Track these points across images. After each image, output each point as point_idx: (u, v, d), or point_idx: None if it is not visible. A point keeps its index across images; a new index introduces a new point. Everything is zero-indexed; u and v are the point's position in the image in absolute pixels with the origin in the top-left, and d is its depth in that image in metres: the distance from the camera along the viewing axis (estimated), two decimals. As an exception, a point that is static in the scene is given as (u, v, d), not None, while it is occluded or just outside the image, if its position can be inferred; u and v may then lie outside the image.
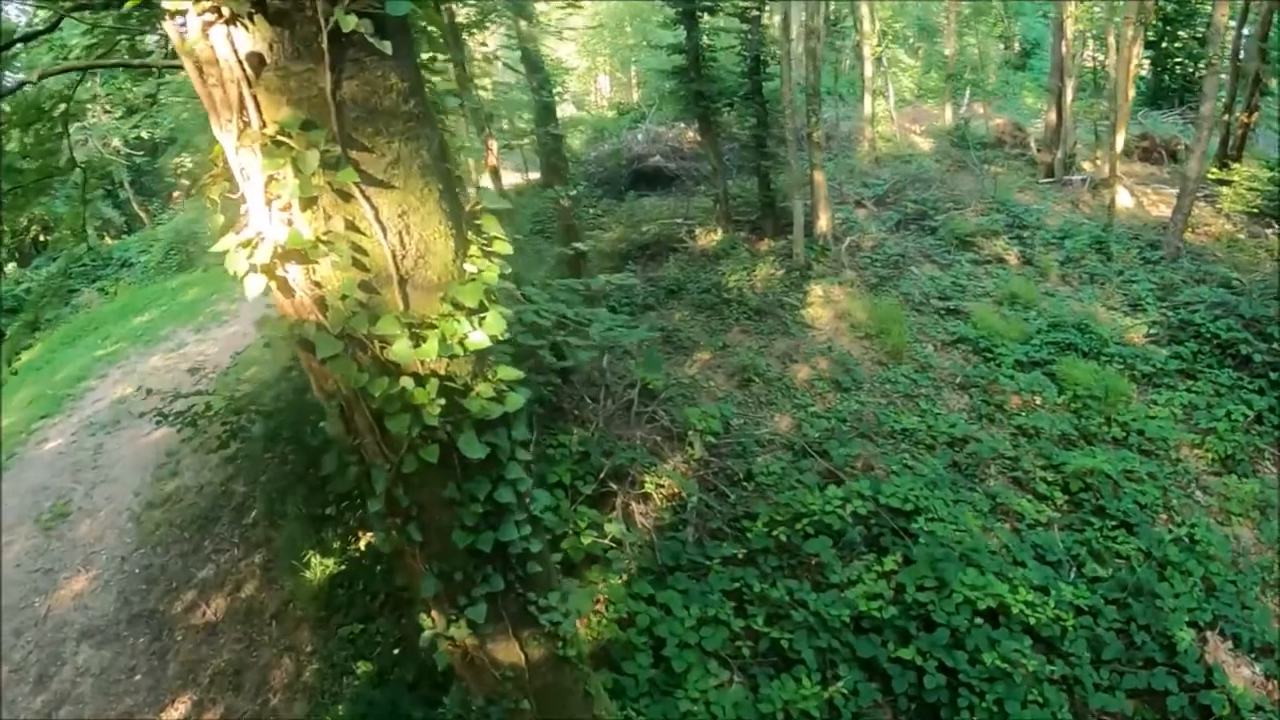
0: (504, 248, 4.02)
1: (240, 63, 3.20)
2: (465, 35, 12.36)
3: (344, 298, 3.56)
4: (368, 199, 3.48)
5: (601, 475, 9.36)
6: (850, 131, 22.85)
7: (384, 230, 3.54)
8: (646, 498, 9.66)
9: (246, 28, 3.12)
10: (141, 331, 19.19)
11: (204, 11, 3.09)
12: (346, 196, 3.46)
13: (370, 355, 3.71)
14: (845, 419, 11.49)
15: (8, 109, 9.28)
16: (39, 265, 22.87)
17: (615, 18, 27.97)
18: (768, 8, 15.77)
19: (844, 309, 14.02)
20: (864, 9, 22.52)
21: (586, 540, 8.58)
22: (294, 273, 3.58)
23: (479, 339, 3.81)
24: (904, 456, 11.02)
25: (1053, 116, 21.38)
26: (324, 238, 3.46)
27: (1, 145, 9.08)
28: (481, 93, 12.51)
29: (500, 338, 3.91)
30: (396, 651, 8.25)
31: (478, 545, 4.22)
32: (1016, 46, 34.70)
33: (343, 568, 9.27)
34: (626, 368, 11.26)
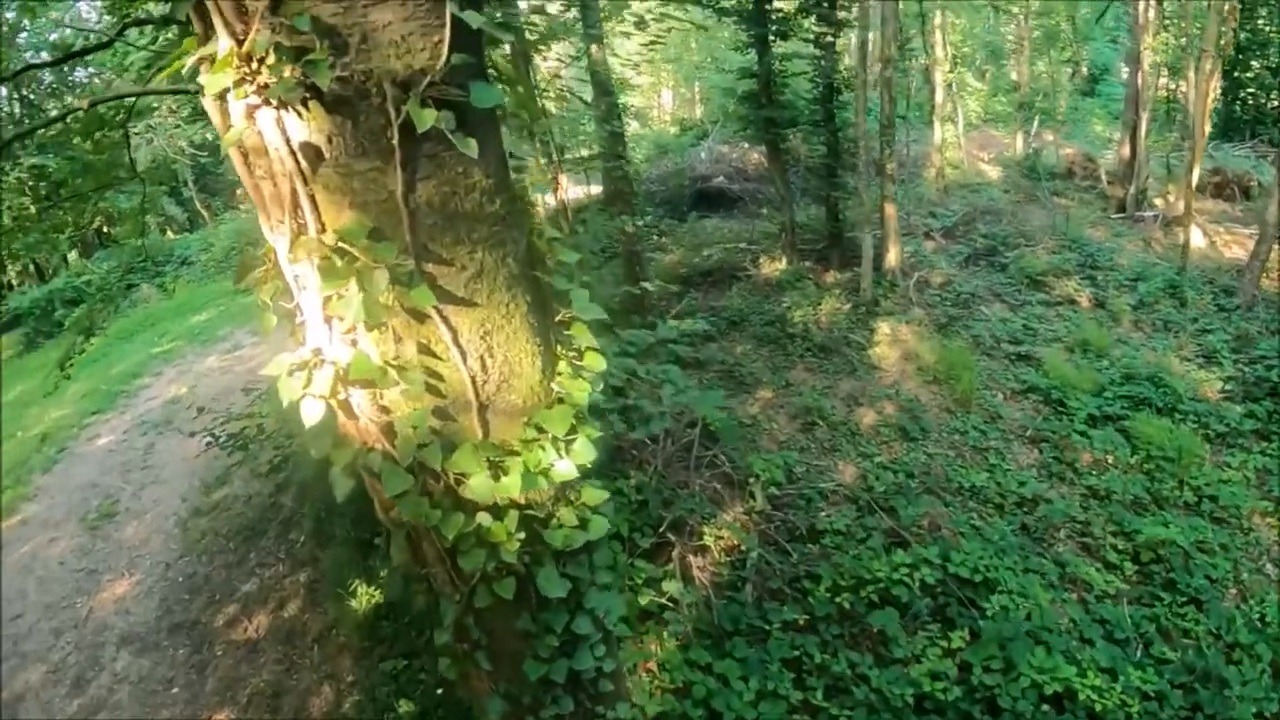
0: (597, 362, 3.56)
1: (294, 154, 2.73)
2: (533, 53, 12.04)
3: (415, 427, 3.10)
4: (445, 319, 3.00)
5: (661, 528, 9.00)
6: (917, 156, 22.25)
7: (463, 354, 3.08)
8: (704, 550, 9.17)
9: (300, 114, 2.66)
10: (199, 331, 19.16)
11: (248, 95, 2.67)
12: (421, 316, 2.99)
13: (444, 488, 3.24)
14: (913, 472, 10.99)
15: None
16: (100, 258, 23.04)
17: (681, 35, 27.62)
18: (843, 33, 15.34)
19: (911, 349, 13.51)
20: (936, 34, 21.92)
21: (644, 599, 8.17)
22: (358, 397, 3.12)
23: (565, 469, 3.36)
24: (972, 516, 10.50)
25: (1126, 150, 20.69)
26: (394, 363, 3.00)
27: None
28: (548, 116, 12.13)
29: (589, 466, 3.46)
30: (439, 692, 7.98)
31: (551, 676, 3.80)
32: (1084, 70, 33.84)
33: (389, 599, 9.05)
34: (687, 402, 10.90)
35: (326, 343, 3.08)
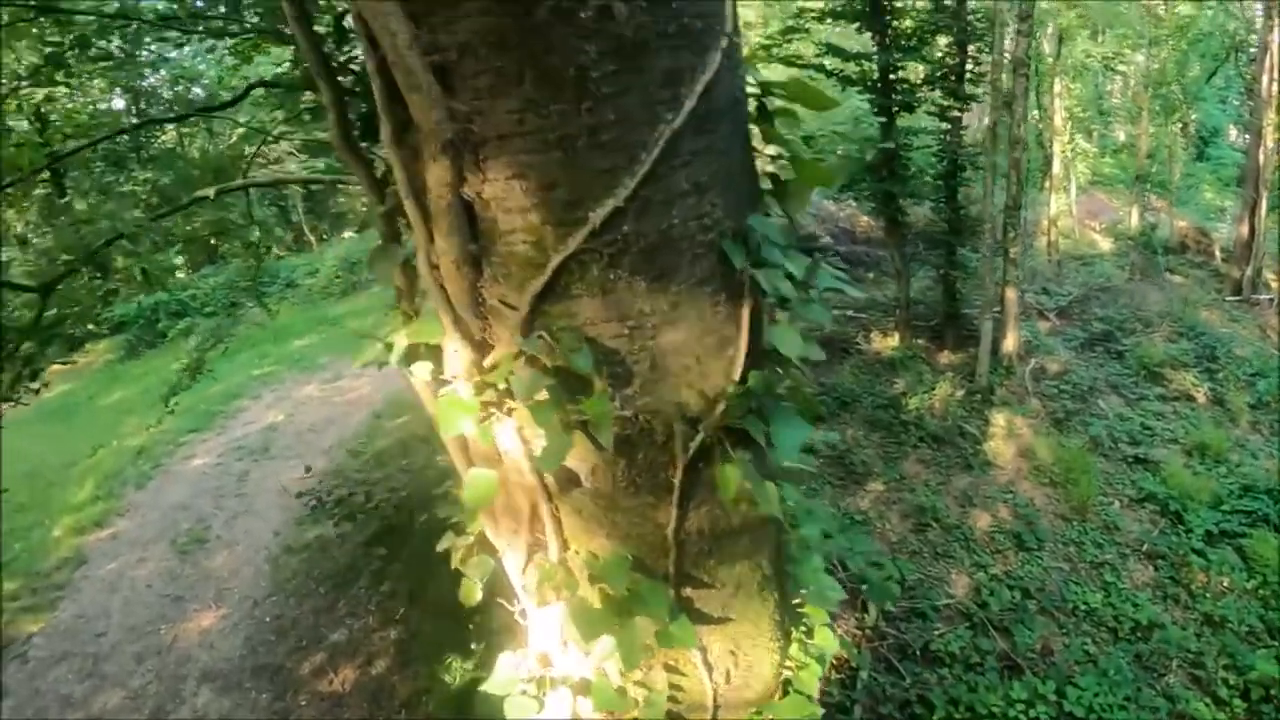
0: (829, 642, 3.14)
1: (539, 475, 2.37)
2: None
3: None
4: (698, 641, 2.61)
5: (775, 638, 8.61)
6: (1028, 222, 21.63)
7: (710, 669, 2.69)
8: (814, 664, 8.84)
9: (557, 442, 2.24)
10: (299, 356, 19.15)
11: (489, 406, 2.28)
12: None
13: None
14: (1028, 589, 10.48)
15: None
16: (207, 274, 23.33)
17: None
18: (971, 111, 14.87)
19: (1027, 445, 12.96)
20: (1057, 102, 21.26)
21: (757, 719, 7.83)
22: (586, 706, 2.71)
23: (788, 753, 2.88)
24: (1086, 642, 9.95)
25: (1245, 229, 19.84)
26: (638, 683, 2.61)
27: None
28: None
29: (810, 751, 3.00)
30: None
31: None
32: (1192, 130, 32.74)
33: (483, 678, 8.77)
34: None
35: (558, 654, 2.73)
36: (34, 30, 9.43)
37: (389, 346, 2.54)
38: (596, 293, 2.12)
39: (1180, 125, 30.43)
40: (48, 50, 9.19)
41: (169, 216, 8.92)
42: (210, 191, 6.45)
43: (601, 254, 2.06)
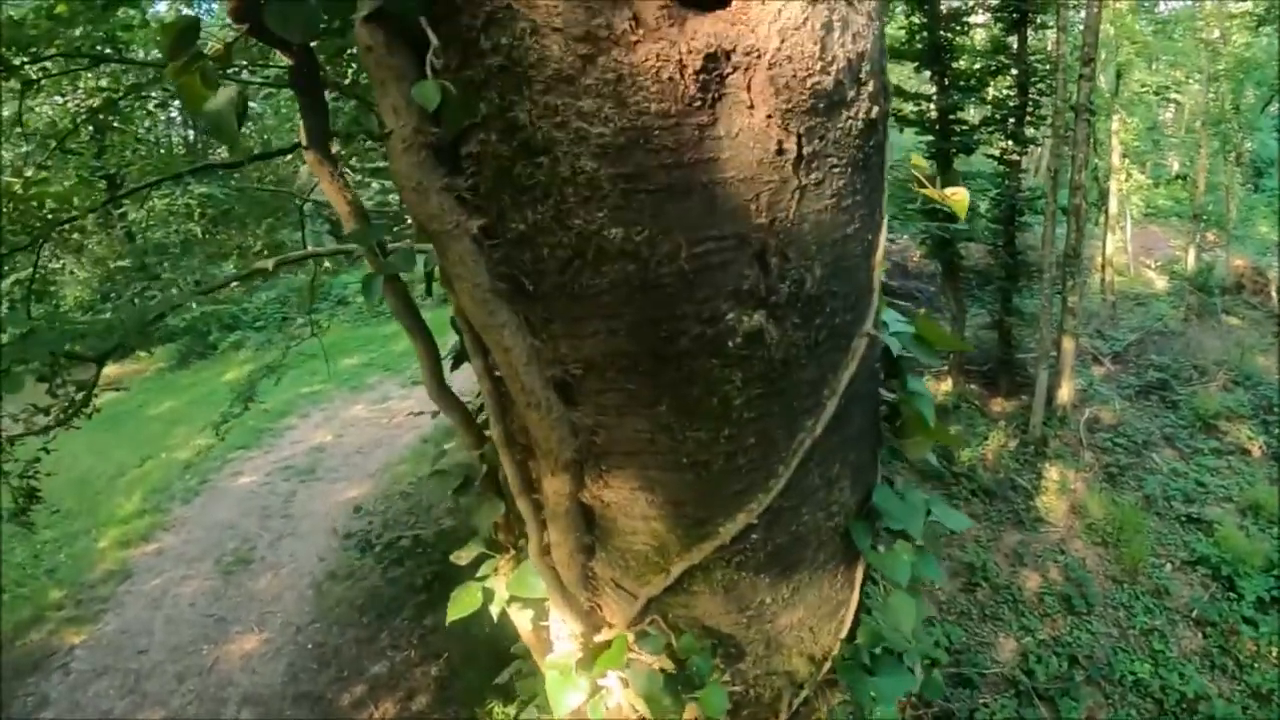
0: None
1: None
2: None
3: None
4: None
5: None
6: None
7: None
8: (859, 732, 8.72)
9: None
10: (349, 376, 19.21)
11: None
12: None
13: None
14: (1075, 657, 10.27)
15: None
16: (261, 287, 23.46)
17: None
18: (1032, 156, 14.65)
19: (1080, 501, 12.71)
20: (1114, 140, 20.91)
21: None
22: None
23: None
24: (1131, 713, 9.70)
25: (1304, 272, 19.53)
26: None
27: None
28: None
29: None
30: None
31: None
32: (1246, 160, 31.99)
33: (525, 723, 8.71)
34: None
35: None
36: (88, 78, 9.52)
37: (489, 593, 2.47)
38: (719, 590, 2.07)
39: (1235, 157, 29.89)
40: (101, 97, 9.23)
41: (220, 289, 8.93)
42: (270, 263, 6.43)
43: (729, 560, 2.03)
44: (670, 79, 1.63)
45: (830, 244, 1.90)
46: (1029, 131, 14.49)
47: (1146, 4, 26.01)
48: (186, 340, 22.70)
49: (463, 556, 2.60)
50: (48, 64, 6.15)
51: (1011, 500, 12.57)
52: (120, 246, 19.31)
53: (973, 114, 15.56)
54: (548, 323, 1.87)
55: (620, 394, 1.87)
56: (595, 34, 1.60)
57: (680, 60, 1.63)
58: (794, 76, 1.69)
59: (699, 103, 1.66)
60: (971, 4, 14.99)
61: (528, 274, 1.84)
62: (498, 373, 1.98)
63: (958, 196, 2.16)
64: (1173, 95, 26.92)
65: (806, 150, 1.78)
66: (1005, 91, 14.92)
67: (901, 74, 17.10)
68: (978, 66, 14.74)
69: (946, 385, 14.98)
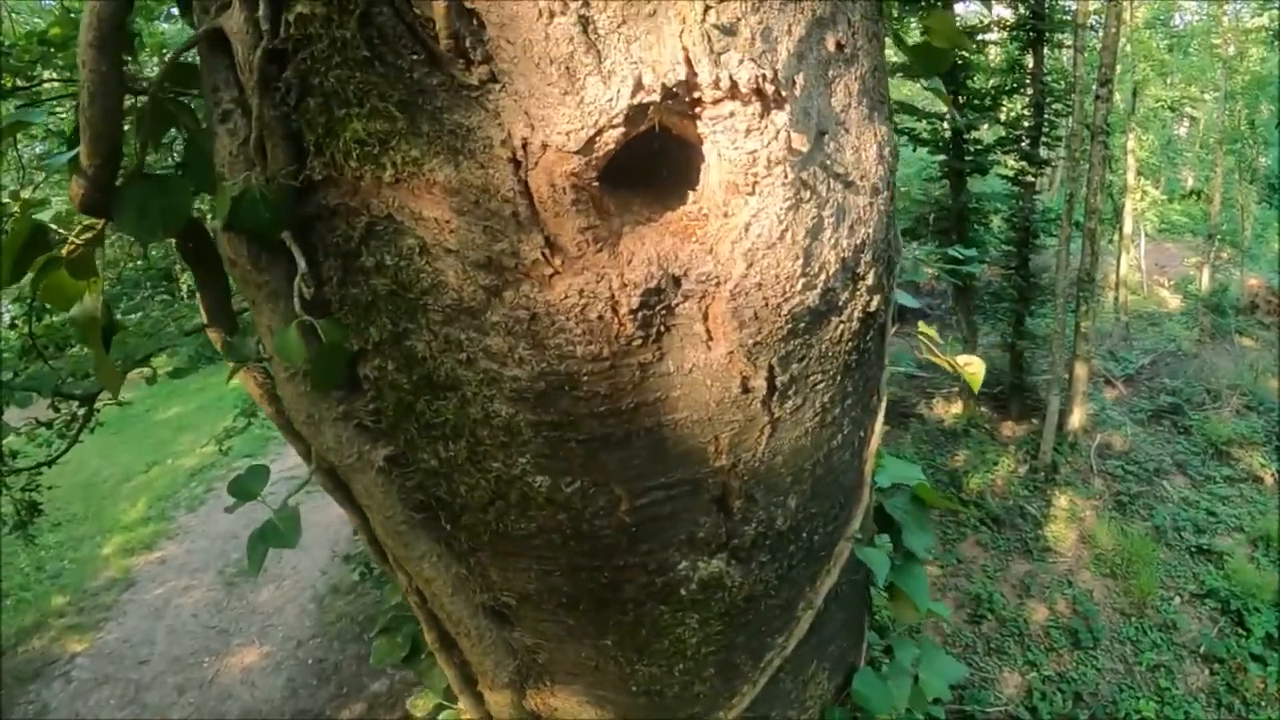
0: None
1: None
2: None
3: None
4: None
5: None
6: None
7: None
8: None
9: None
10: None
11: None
12: None
13: None
14: (1080, 693, 10.13)
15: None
16: None
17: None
18: (1048, 180, 14.50)
19: (1089, 530, 12.54)
20: (1130, 159, 20.70)
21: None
22: None
23: None
24: (1136, 753, 9.73)
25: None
26: None
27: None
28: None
29: None
30: None
31: None
32: (1261, 175, 31.66)
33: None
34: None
35: None
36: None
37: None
38: None
39: (1250, 173, 29.62)
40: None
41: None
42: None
43: None
44: (600, 318, 1.33)
45: (810, 468, 1.65)
46: (1044, 152, 14.29)
47: (1162, 18, 25.82)
48: (196, 345, 22.60)
49: (419, 706, 2.49)
50: (42, 87, 6.05)
51: (1020, 528, 12.43)
52: (132, 248, 19.24)
53: (986, 133, 15.35)
54: (474, 550, 1.63)
55: (560, 625, 1.66)
56: (499, 262, 1.30)
57: (611, 297, 1.32)
58: (765, 305, 1.38)
59: (639, 340, 1.37)
60: (987, 21, 14.80)
61: (445, 506, 1.59)
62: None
63: (972, 369, 2.01)
64: (1188, 110, 26.59)
65: (780, 380, 1.50)
66: (1020, 111, 14.75)
67: (913, 90, 16.90)
68: (992, 85, 14.57)
69: (957, 408, 14.84)
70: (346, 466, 1.59)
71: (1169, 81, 26.13)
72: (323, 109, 1.28)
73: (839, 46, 1.38)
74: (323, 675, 9.93)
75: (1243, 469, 14.68)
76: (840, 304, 1.50)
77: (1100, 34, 13.58)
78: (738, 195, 1.29)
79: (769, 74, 1.20)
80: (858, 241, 1.48)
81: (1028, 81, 14.25)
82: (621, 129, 1.18)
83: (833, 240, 1.42)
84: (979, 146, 14.34)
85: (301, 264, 1.39)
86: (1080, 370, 13.77)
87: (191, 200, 1.51)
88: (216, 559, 11.98)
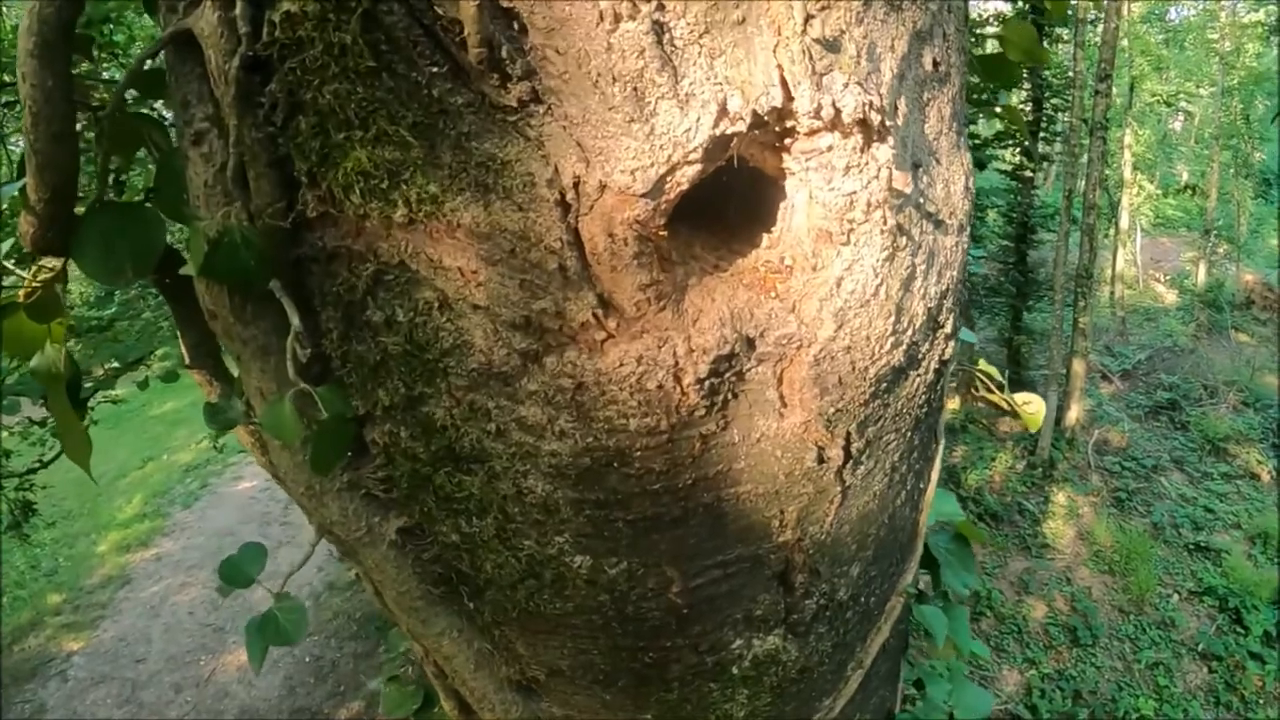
0: None
1: None
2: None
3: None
4: None
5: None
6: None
7: None
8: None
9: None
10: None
11: None
12: None
13: None
14: (1079, 691, 10.02)
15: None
16: None
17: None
18: (1044, 174, 14.33)
19: (1087, 527, 12.40)
20: (1126, 154, 20.53)
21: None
22: None
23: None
24: (1134, 752, 9.62)
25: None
26: None
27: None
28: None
29: None
30: None
31: None
32: (1256, 170, 31.54)
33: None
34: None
35: None
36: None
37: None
38: None
39: (1245, 168, 29.48)
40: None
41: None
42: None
43: None
44: (660, 388, 1.10)
45: (875, 531, 1.45)
46: (1042, 147, 14.10)
47: (1157, 12, 25.66)
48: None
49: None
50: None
51: (1018, 525, 12.29)
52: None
53: (983, 128, 15.16)
54: (499, 624, 1.41)
55: (595, 699, 1.45)
56: (539, 323, 1.07)
57: (675, 364, 1.09)
58: (851, 370, 1.17)
59: (703, 411, 1.14)
60: (986, 15, 14.58)
61: (467, 581, 1.37)
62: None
63: (1031, 408, 1.78)
64: (1183, 105, 26.44)
65: (856, 447, 1.28)
66: (1019, 106, 14.54)
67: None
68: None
69: (954, 404, 14.66)
70: (354, 541, 1.34)
71: (1165, 76, 25.97)
72: (316, 131, 1.01)
73: (935, 65, 1.14)
74: (320, 673, 9.76)
75: (1240, 466, 14.56)
76: (920, 357, 1.28)
77: (1099, 29, 13.38)
78: (830, 245, 1.05)
79: (875, 100, 0.96)
80: (943, 288, 1.25)
81: (1025, 76, 14.04)
82: (699, 165, 0.94)
83: (921, 290, 1.20)
84: (976, 141, 14.14)
85: (295, 320, 1.12)
86: (1078, 366, 13.63)
87: (164, 233, 1.24)
88: (212, 555, 11.75)
